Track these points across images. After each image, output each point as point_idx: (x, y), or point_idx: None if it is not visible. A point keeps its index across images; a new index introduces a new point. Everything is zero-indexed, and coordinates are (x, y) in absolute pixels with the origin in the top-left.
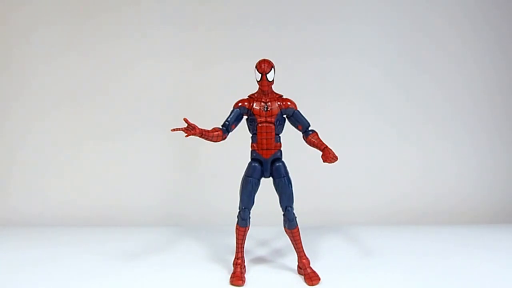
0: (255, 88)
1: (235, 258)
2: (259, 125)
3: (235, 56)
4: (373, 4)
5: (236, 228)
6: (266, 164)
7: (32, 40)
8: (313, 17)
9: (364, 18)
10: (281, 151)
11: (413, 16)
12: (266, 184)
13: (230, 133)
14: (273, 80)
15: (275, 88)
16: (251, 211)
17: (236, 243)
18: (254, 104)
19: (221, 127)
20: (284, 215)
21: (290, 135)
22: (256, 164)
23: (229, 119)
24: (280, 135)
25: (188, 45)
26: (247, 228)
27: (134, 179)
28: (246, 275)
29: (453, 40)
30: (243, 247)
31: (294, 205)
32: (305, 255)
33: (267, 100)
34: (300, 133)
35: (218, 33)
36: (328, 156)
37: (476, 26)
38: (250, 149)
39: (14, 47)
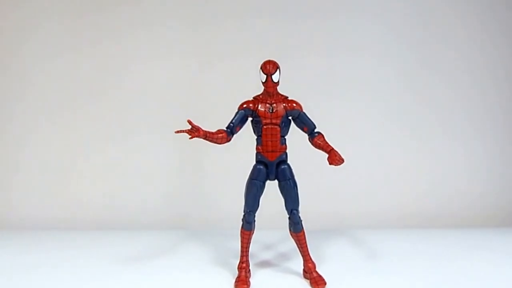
0: (260, 89)
1: (239, 262)
2: (264, 127)
3: (239, 56)
4: (381, 1)
5: (241, 232)
6: (271, 166)
7: (36, 39)
8: (320, 15)
9: (373, 15)
10: (286, 154)
11: (423, 14)
12: (271, 187)
13: (235, 135)
14: (278, 81)
15: (280, 88)
16: (256, 214)
17: (241, 246)
18: (259, 106)
19: (225, 129)
20: (289, 218)
21: (295, 137)
22: (261, 167)
23: (233, 121)
24: (286, 137)
25: (191, 45)
26: (252, 232)
27: (138, 182)
28: (251, 279)
29: (464, 40)
30: (248, 251)
31: (300, 208)
32: (310, 258)
33: (272, 101)
34: (306, 135)
35: (221, 33)
36: (334, 158)
37: (487, 26)
38: (255, 151)
39: (15, 47)
